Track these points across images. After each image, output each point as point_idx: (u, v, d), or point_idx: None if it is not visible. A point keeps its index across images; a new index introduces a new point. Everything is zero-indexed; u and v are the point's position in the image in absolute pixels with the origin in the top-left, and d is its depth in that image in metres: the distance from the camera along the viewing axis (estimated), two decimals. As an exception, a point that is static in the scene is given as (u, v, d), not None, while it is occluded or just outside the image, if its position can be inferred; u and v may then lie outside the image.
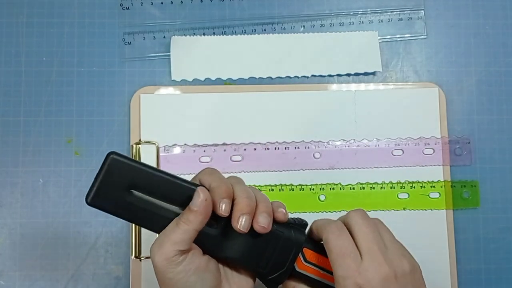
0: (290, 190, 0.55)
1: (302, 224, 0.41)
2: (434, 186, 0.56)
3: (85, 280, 0.54)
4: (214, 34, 0.58)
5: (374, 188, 0.56)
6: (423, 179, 0.56)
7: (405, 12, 0.59)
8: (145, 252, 0.54)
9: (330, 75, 0.58)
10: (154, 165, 0.54)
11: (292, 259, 0.40)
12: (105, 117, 0.56)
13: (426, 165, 0.56)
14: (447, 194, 0.56)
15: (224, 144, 0.56)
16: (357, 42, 0.58)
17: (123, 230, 0.55)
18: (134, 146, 0.55)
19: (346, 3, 0.59)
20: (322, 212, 0.55)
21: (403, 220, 0.55)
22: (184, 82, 0.57)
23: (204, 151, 0.55)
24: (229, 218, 0.38)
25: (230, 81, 0.57)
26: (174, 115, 0.56)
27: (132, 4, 0.58)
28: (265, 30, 0.58)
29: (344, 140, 0.56)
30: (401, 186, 0.56)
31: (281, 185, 0.55)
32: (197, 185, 0.38)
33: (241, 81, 0.57)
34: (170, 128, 0.56)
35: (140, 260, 0.54)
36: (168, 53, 0.57)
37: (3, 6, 0.57)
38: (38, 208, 0.54)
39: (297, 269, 0.40)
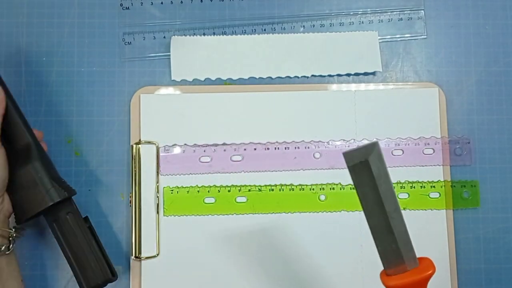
0: (290, 190, 0.55)
1: None
2: (434, 186, 0.56)
3: (85, 280, 0.54)
4: (214, 34, 0.58)
5: (374, 188, 0.56)
6: (423, 179, 0.56)
7: (405, 12, 0.59)
8: (145, 252, 0.54)
9: (330, 75, 0.58)
10: (154, 165, 0.54)
11: None
12: (105, 117, 0.56)
13: (426, 165, 0.56)
14: (447, 194, 0.56)
15: (224, 144, 0.56)
16: (357, 42, 0.58)
17: (123, 230, 0.55)
18: (134, 146, 0.55)
19: (346, 3, 0.59)
20: (322, 212, 0.55)
21: (403, 220, 0.55)
22: (184, 82, 0.57)
23: (204, 151, 0.55)
24: None
25: (230, 81, 0.57)
26: (174, 115, 0.56)
27: (132, 4, 0.58)
28: (265, 30, 0.58)
29: (344, 140, 0.56)
30: (401, 186, 0.56)
31: (281, 185, 0.55)
32: None
33: (241, 81, 0.57)
34: (170, 128, 0.56)
35: (140, 260, 0.54)
36: (168, 53, 0.57)
37: (3, 6, 0.57)
38: (38, 208, 0.54)
39: None
